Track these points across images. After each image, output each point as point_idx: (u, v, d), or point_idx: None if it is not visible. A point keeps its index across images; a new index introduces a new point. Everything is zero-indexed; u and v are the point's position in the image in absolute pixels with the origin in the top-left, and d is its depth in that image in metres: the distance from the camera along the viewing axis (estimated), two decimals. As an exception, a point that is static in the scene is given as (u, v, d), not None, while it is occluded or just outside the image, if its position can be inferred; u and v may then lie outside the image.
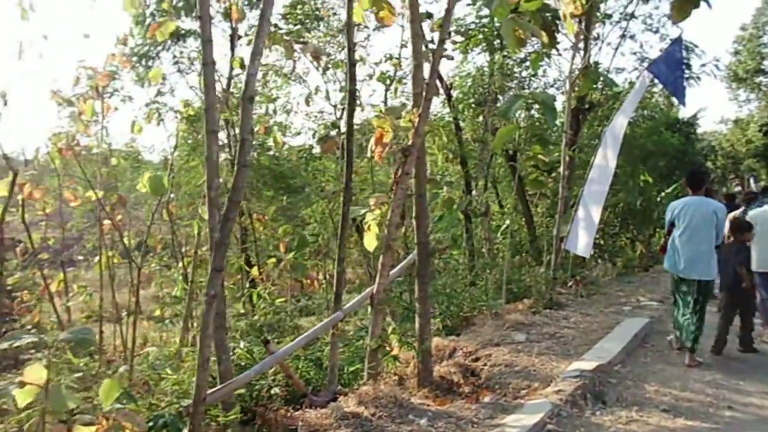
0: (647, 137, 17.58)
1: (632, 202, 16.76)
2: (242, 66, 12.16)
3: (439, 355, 7.08)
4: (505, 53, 13.66)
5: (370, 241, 6.22)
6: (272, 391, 6.01)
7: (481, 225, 14.77)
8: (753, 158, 32.68)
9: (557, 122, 13.18)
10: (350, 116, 6.34)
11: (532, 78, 14.94)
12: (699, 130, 28.67)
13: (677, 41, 8.69)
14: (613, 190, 16.94)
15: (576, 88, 9.64)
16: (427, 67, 5.93)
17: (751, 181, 31.70)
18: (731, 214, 7.82)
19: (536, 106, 10.79)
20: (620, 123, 8.51)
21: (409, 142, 5.69)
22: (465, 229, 14.67)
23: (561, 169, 8.89)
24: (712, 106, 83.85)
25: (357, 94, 13.66)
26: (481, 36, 13.64)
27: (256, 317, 7.43)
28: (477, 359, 6.79)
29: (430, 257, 14.30)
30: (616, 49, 13.51)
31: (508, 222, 13.70)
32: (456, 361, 6.81)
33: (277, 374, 5.98)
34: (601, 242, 17.12)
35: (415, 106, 5.78)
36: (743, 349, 7.38)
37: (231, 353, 6.23)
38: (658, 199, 18.65)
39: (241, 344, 6.14)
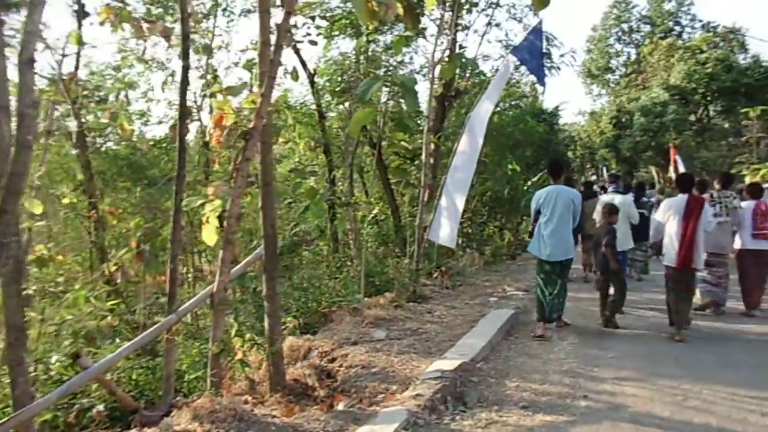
0: (514, 126, 17.76)
1: (500, 191, 16.86)
2: (80, 42, 10.95)
3: (293, 356, 6.50)
4: (371, 38, 13.23)
5: (209, 235, 5.52)
6: (95, 410, 5.21)
7: (347, 215, 14.29)
8: (605, 148, 34.46)
9: (421, 108, 13.02)
10: (182, 95, 5.57)
11: (400, 65, 14.65)
12: (561, 121, 29.78)
13: (538, 28, 8.58)
14: (481, 178, 17.07)
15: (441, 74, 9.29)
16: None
17: (604, 170, 33.43)
18: (603, 199, 9.19)
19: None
20: (485, 108, 8.24)
21: (251, 125, 5.05)
22: (329, 219, 14.22)
23: (423, 157, 8.51)
24: (572, 99, 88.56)
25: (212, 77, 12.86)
26: (345, 21, 13.13)
27: (81, 323, 6.45)
28: (333, 360, 6.26)
29: (296, 248, 13.84)
30: (483, 36, 13.45)
31: (375, 211, 13.38)
32: (311, 363, 6.25)
33: (100, 389, 5.18)
34: (469, 231, 17.16)
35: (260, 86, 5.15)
36: (605, 324, 7.89)
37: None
38: (525, 187, 19.04)
39: (54, 358, 5.21)
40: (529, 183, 19.51)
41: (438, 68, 8.92)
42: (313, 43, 12.41)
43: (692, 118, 34.07)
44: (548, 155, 25.37)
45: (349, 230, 14.25)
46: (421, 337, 6.96)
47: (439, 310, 8.48)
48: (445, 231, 8.26)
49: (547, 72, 15.82)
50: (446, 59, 9.12)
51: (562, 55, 16.17)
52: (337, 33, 13.55)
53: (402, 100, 11.27)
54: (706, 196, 8.47)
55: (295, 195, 13.71)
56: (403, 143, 10.00)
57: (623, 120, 33.01)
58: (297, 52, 13.16)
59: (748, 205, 8.67)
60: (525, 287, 10.38)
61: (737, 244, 8.75)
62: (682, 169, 20.07)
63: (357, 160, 15.03)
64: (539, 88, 25.41)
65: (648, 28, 43.05)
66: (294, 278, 10.09)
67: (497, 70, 9.24)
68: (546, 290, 7.50)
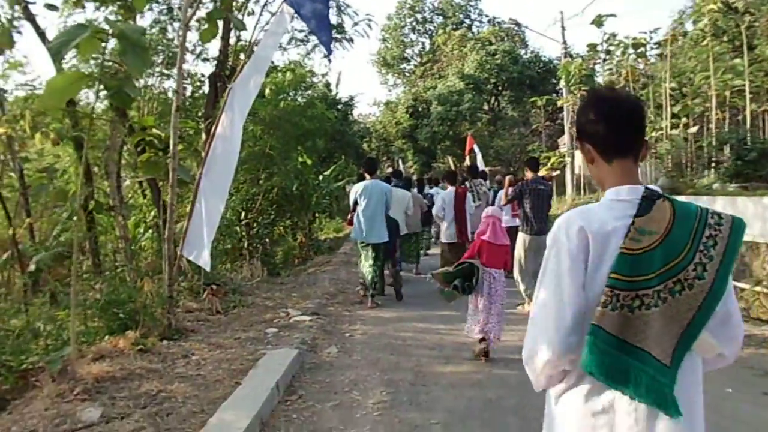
0: (302, 112, 15.81)
1: (288, 187, 14.87)
2: None
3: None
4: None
5: None
6: None
7: (116, 222, 11.41)
8: (402, 139, 34.10)
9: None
10: None
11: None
12: (355, 112, 28.71)
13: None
14: (267, 173, 14.95)
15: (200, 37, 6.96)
16: None
17: (400, 162, 32.94)
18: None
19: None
20: (253, 78, 6.12)
21: None
22: (87, 228, 11.28)
23: (171, 146, 6.16)
24: (367, 90, 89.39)
25: None
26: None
27: None
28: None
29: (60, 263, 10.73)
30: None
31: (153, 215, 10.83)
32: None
33: None
34: (255, 233, 15.01)
35: None
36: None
37: None
38: (317, 182, 17.25)
39: None
40: (322, 177, 17.79)
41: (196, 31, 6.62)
42: (52, 7, 9.31)
43: (486, 107, 34.84)
44: (342, 147, 24.04)
45: (120, 239, 11.37)
46: (160, 409, 4.69)
47: (200, 351, 6.25)
48: (200, 247, 6.03)
49: (338, 45, 14.21)
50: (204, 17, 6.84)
51: (356, 23, 14.32)
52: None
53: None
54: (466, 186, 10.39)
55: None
56: (154, 130, 7.54)
57: (420, 109, 32.73)
58: (32, 20, 9.93)
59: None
60: (315, 306, 8.48)
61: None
62: (479, 157, 19.66)
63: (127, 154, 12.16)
64: (333, 80, 23.96)
65: (440, 19, 43.71)
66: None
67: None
68: (365, 263, 8.81)
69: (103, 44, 4.79)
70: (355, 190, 8.93)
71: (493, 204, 9.92)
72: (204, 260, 6.08)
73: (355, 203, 8.84)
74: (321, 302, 8.86)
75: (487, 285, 6.10)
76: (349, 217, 9.22)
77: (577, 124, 1.99)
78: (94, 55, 7.08)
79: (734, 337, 1.82)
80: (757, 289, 8.26)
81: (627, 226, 1.73)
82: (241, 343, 6.58)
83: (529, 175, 8.80)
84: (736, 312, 1.81)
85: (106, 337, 6.47)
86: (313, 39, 15.05)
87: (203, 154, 6.72)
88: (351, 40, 14.64)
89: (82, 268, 11.61)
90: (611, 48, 16.95)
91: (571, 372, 1.82)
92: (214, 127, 6.08)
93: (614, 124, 1.85)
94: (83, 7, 9.36)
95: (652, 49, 16.93)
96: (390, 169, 33.51)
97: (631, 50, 16.18)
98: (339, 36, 13.83)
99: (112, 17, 10.39)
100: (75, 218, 9.57)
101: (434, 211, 10.31)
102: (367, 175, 9.09)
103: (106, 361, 5.64)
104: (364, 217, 8.67)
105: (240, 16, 10.86)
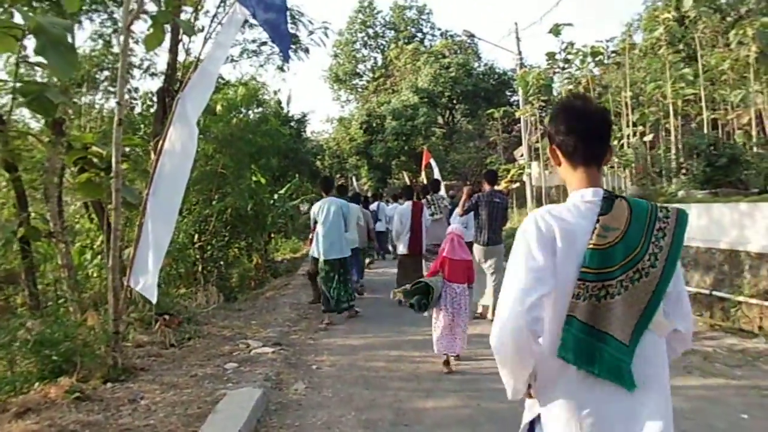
0: (256, 128, 15.16)
1: (242, 207, 14.16)
2: None
3: None
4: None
5: None
6: None
7: (58, 251, 10.52)
8: (356, 155, 33.66)
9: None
10: None
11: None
12: (308, 129, 28.20)
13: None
14: (220, 193, 14.23)
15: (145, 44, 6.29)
16: None
17: (354, 180, 32.48)
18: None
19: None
20: (201, 83, 5.49)
21: None
22: (22, 257, 10.36)
23: (114, 165, 5.44)
24: (319, 107, 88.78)
25: None
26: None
27: None
28: None
29: None
30: None
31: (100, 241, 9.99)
32: None
33: None
34: (208, 255, 14.24)
35: None
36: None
37: None
38: (272, 201, 16.58)
39: None
40: (276, 196, 17.12)
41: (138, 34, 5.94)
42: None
43: (440, 121, 34.70)
44: (296, 165, 23.39)
45: (62, 268, 10.46)
46: (102, 473, 4.00)
47: (151, 394, 5.56)
48: (146, 275, 5.34)
49: (293, 55, 13.57)
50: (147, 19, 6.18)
51: (311, 32, 13.71)
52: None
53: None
54: (424, 200, 10.53)
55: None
56: (94, 148, 6.81)
57: (374, 125, 32.28)
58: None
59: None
60: (277, 335, 7.82)
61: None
62: (437, 171, 19.35)
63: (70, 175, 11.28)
64: (283, 97, 23.40)
65: (392, 33, 43.53)
66: None
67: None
68: (326, 286, 8.85)
69: (19, 42, 4.08)
70: (314, 210, 9.13)
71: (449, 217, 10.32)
72: (149, 290, 5.38)
73: (315, 222, 9.01)
74: (283, 330, 8.21)
75: (450, 299, 6.26)
76: (310, 236, 9.54)
77: (548, 129, 2.12)
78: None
79: (687, 313, 2.03)
80: (740, 299, 7.96)
81: (593, 223, 1.90)
82: (197, 381, 5.89)
83: (486, 187, 8.97)
84: (685, 292, 2.04)
85: (36, 384, 5.69)
86: (266, 51, 14.44)
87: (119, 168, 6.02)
88: (306, 50, 14.03)
89: (16, 302, 10.73)
90: (569, 57, 16.79)
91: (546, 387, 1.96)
92: (161, 143, 5.42)
93: (582, 136, 2.00)
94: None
95: (608, 58, 16.87)
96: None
97: (589, 58, 16.04)
98: (293, 47, 13.22)
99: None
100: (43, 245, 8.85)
101: (393, 226, 10.98)
102: (323, 194, 9.30)
103: (32, 416, 4.87)
104: (322, 235, 8.77)
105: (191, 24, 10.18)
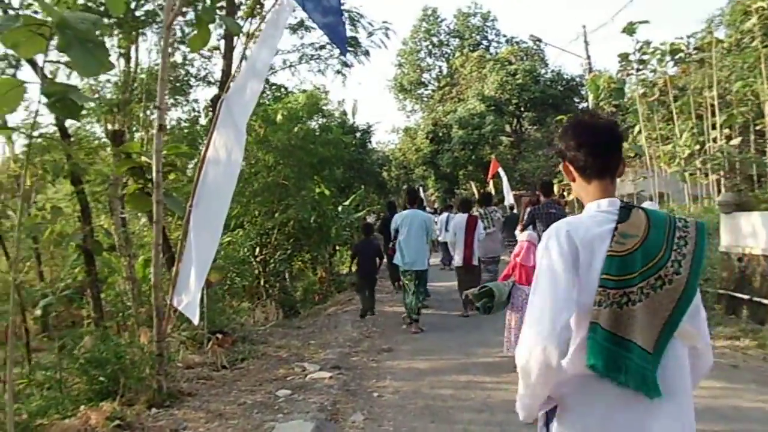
0: (319, 137, 14.77)
1: (305, 219, 13.75)
2: None
3: None
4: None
5: None
6: None
7: (122, 264, 10.38)
8: (422, 166, 33.07)
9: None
10: None
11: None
12: (374, 140, 27.85)
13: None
14: (282, 205, 13.88)
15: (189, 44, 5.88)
16: None
17: (421, 190, 31.93)
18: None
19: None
20: (249, 85, 5.02)
21: None
22: (86, 271, 10.26)
23: (154, 176, 5.02)
24: (384, 117, 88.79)
25: None
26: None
27: None
28: None
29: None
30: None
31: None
32: None
33: None
34: (271, 269, 13.88)
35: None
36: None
37: None
38: (336, 213, 16.15)
39: None
40: (340, 208, 16.69)
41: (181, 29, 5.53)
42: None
43: (508, 129, 33.83)
44: (361, 176, 22.96)
45: (126, 280, 10.31)
46: None
47: (195, 423, 5.09)
48: (188, 293, 4.88)
49: (353, 59, 13.14)
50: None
51: (370, 34, 13.18)
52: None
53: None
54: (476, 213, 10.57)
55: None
56: (143, 158, 6.46)
57: (440, 134, 31.67)
58: None
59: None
60: (336, 358, 7.26)
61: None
62: (505, 181, 18.60)
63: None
64: (348, 107, 23.08)
65: (457, 41, 42.85)
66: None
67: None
68: (407, 294, 9.14)
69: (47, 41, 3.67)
70: (395, 220, 9.48)
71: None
72: (191, 309, 4.91)
73: (396, 231, 9.29)
74: (343, 351, 7.65)
75: (521, 300, 6.41)
76: (391, 246, 10.09)
77: (560, 147, 2.12)
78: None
79: (704, 328, 2.00)
80: None
81: (610, 231, 1.89)
82: (245, 410, 5.38)
83: (542, 199, 8.82)
84: (702, 306, 1.97)
85: (82, 407, 5.33)
86: (324, 55, 13.98)
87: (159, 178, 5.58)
88: (367, 53, 13.51)
89: (84, 315, 10.61)
90: (645, 56, 15.70)
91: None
92: (204, 150, 4.97)
93: (593, 151, 2.02)
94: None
95: (689, 55, 15.68)
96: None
97: (668, 57, 14.92)
98: (353, 49, 12.75)
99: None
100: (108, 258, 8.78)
101: (448, 237, 11.35)
102: (407, 205, 9.82)
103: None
104: (405, 245, 9.05)
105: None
